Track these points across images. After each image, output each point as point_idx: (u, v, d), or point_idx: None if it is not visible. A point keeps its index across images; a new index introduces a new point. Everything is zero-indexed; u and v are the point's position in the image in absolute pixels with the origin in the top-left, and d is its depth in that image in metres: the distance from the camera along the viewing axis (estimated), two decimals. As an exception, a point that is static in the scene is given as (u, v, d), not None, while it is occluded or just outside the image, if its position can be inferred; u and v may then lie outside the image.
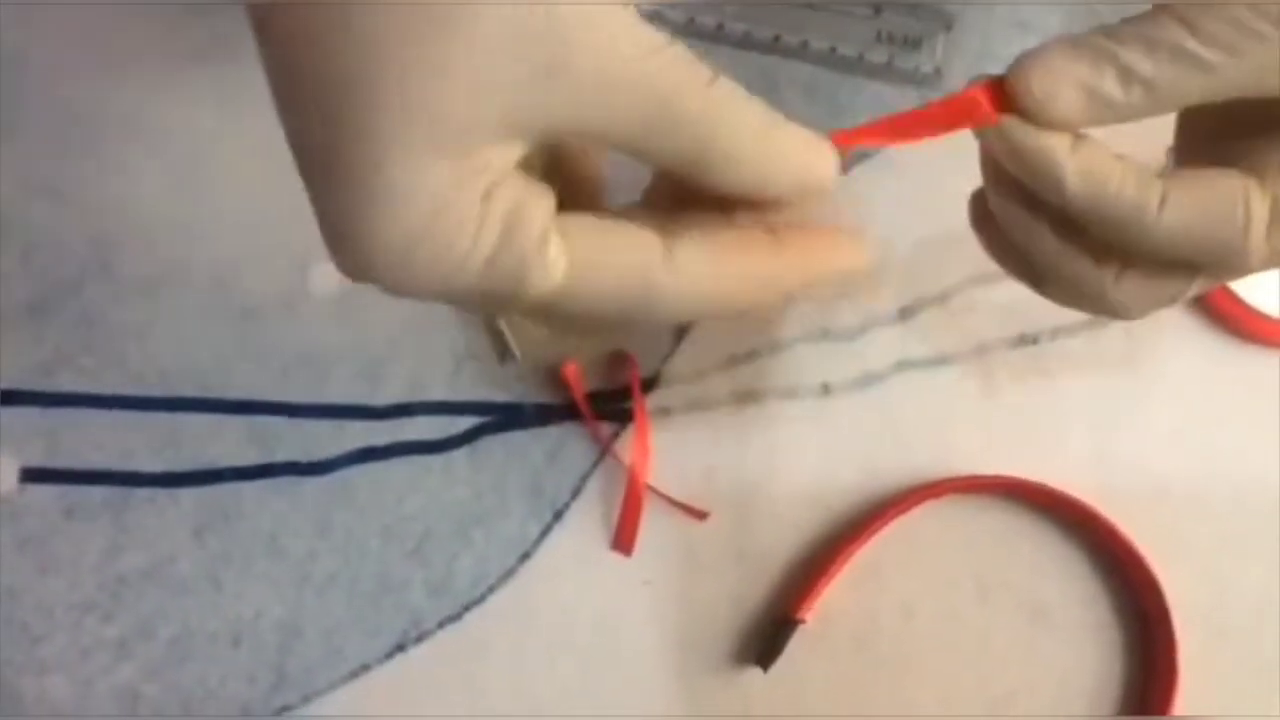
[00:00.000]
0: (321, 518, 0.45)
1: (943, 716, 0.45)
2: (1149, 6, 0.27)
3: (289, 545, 0.45)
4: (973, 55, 0.45)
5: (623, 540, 0.45)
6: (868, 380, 0.45)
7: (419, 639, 0.45)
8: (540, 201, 0.26)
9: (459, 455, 0.45)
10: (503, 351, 0.44)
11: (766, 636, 0.44)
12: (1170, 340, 0.45)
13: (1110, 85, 0.27)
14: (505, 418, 0.45)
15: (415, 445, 0.45)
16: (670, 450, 0.45)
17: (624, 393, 0.45)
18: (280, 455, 0.45)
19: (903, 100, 0.45)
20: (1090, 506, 0.44)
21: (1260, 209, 0.28)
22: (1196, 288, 0.30)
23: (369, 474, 0.45)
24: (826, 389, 0.45)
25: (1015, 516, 0.45)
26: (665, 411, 0.45)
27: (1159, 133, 0.31)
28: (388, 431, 0.45)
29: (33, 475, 0.44)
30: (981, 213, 0.31)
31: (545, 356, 0.45)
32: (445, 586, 0.45)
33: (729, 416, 0.45)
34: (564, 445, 0.45)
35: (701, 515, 0.45)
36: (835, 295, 0.45)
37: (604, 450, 0.45)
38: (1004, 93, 0.27)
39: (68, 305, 0.45)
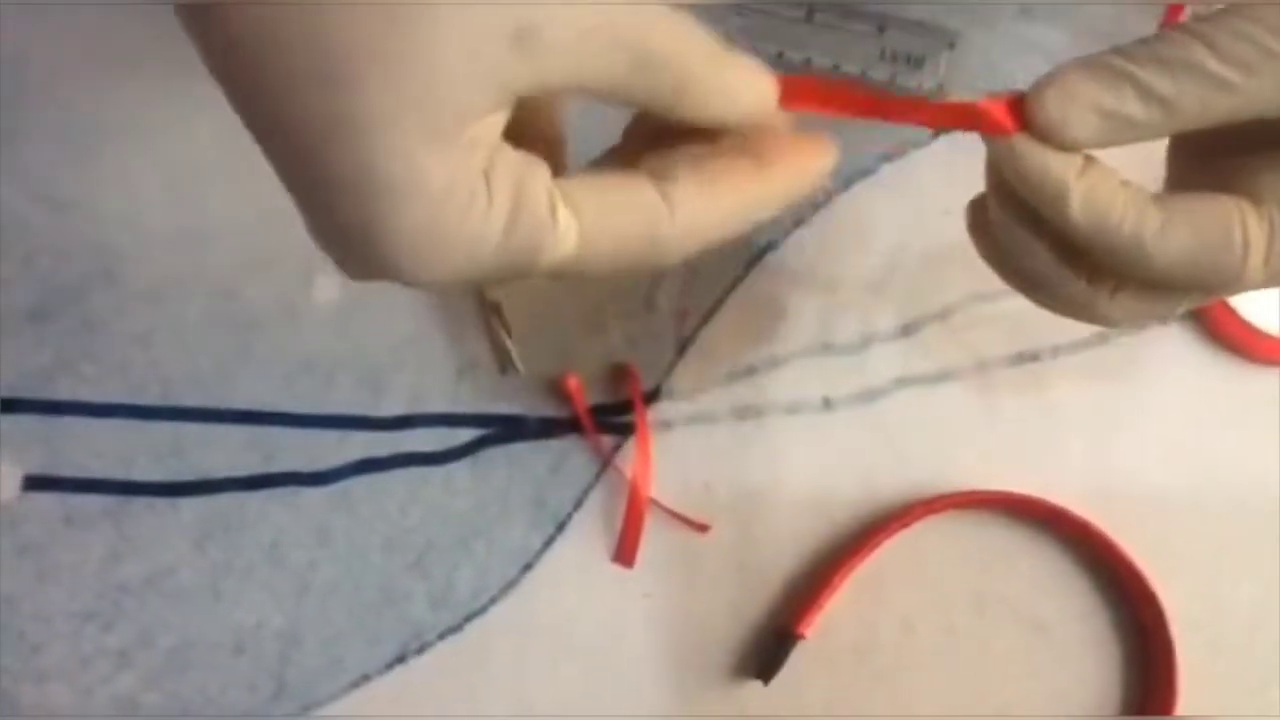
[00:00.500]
0: (322, 528, 0.45)
1: (941, 730, 0.45)
2: (1152, 28, 0.28)
3: (290, 555, 0.45)
4: (975, 74, 0.46)
5: (624, 553, 0.45)
6: (868, 395, 0.46)
7: (420, 650, 0.45)
8: (538, 171, 0.26)
9: (461, 467, 0.45)
10: (504, 363, 0.44)
11: (767, 650, 0.44)
12: (1168, 356, 0.46)
13: (1130, 104, 0.27)
14: (507, 430, 0.45)
15: (417, 456, 0.45)
16: (672, 463, 0.45)
17: (626, 406, 0.45)
18: (282, 465, 0.45)
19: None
20: (1089, 521, 0.44)
21: (1258, 235, 0.28)
22: (1190, 304, 0.31)
23: (370, 484, 0.45)
24: (827, 403, 0.46)
25: (1015, 531, 0.45)
26: (667, 424, 0.46)
27: (1157, 150, 0.32)
28: (389, 442, 0.45)
29: (33, 483, 0.44)
30: (979, 219, 0.31)
31: (548, 367, 0.45)
32: (446, 597, 0.45)
33: (730, 430, 0.46)
34: (566, 457, 0.45)
35: (703, 528, 0.45)
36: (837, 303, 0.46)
37: (606, 463, 0.45)
38: (1019, 111, 0.28)
39: (69, 312, 0.45)
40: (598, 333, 0.46)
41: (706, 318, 0.46)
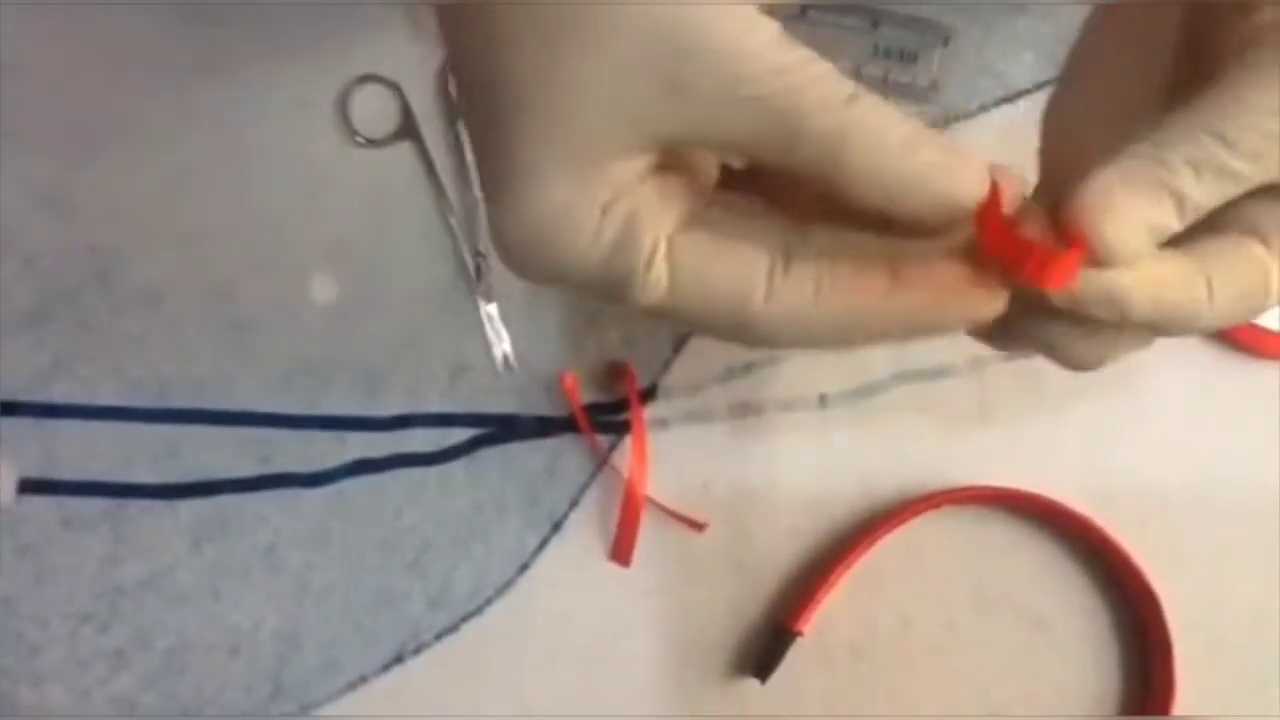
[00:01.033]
0: (319, 529, 0.45)
1: (940, 728, 0.45)
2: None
3: (287, 556, 0.45)
4: (969, 70, 0.46)
5: (621, 551, 0.45)
6: (866, 391, 0.46)
7: (417, 650, 0.45)
8: (659, 217, 0.26)
9: (457, 467, 0.45)
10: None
11: (764, 647, 0.44)
12: (1167, 353, 0.45)
13: (1170, 216, 0.26)
14: (503, 429, 0.45)
15: (413, 457, 0.45)
16: (668, 461, 0.45)
17: (622, 404, 0.45)
18: (278, 466, 0.45)
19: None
20: (1087, 518, 0.44)
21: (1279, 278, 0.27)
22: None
23: (367, 485, 0.45)
24: (824, 400, 0.46)
25: (1013, 528, 0.45)
26: (663, 423, 0.45)
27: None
28: (386, 443, 0.45)
29: (31, 486, 0.44)
30: (985, 332, 0.29)
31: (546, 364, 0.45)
32: (443, 598, 0.45)
33: (727, 427, 0.45)
34: (562, 456, 0.45)
35: (699, 526, 0.45)
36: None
37: (602, 461, 0.45)
38: (1070, 238, 0.25)
39: (67, 313, 0.45)
40: (594, 330, 0.46)
41: (703, 316, 0.46)
